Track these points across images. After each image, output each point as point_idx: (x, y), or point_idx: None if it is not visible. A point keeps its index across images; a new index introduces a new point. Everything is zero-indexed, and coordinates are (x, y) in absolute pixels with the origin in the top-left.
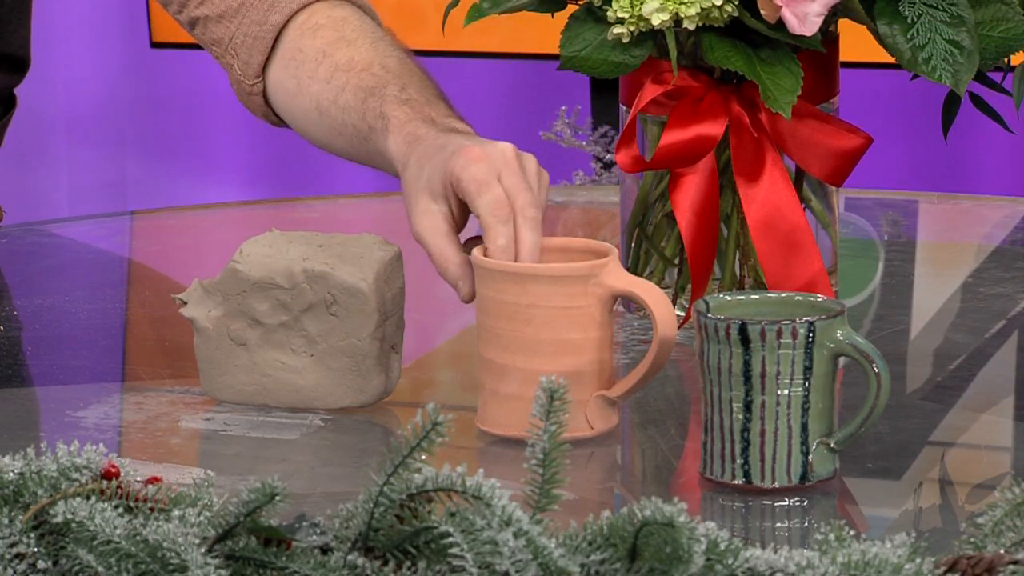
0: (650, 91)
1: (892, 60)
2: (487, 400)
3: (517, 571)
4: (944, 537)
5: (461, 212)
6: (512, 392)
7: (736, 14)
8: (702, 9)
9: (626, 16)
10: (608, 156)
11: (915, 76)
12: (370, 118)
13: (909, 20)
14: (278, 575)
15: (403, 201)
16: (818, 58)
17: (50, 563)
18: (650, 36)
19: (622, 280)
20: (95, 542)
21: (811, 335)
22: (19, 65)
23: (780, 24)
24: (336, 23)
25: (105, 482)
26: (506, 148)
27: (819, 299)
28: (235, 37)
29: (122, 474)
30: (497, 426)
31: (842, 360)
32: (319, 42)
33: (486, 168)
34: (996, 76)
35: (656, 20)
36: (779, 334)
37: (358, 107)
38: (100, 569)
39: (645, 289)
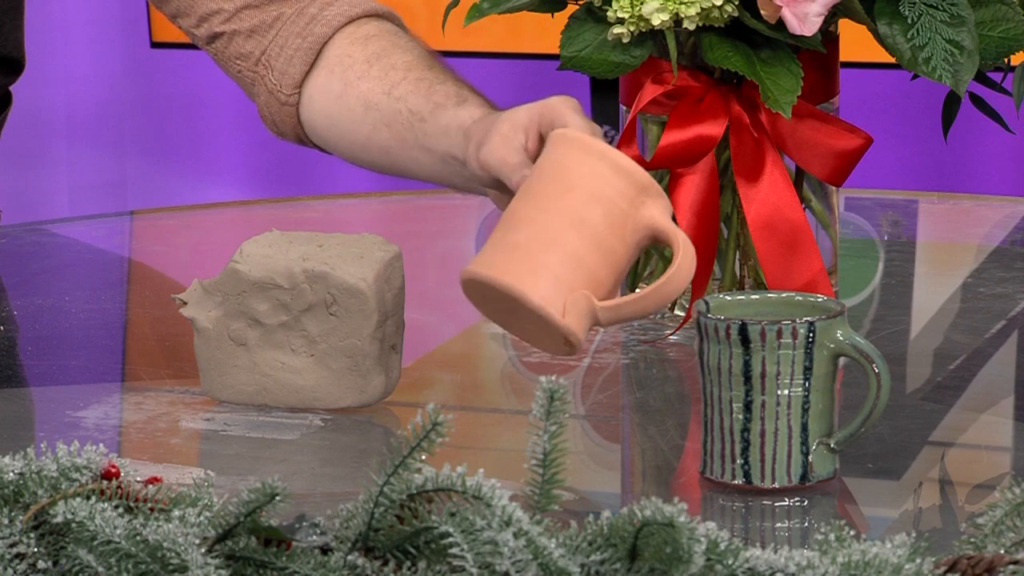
0: (650, 91)
1: (892, 60)
2: (489, 245)
3: (517, 571)
4: (944, 537)
5: (535, 149)
6: (516, 240)
7: (736, 14)
8: (702, 9)
9: (626, 16)
10: None
11: (915, 76)
12: (439, 97)
13: (909, 20)
14: (278, 575)
15: (470, 143)
16: (818, 58)
17: (50, 563)
18: (650, 36)
19: (666, 218)
20: (95, 542)
21: (811, 335)
22: (14, 67)
23: (780, 24)
24: (387, 34)
25: (105, 482)
26: None
27: (819, 299)
28: (269, 50)
29: (122, 474)
30: (483, 266)
31: (842, 360)
32: (372, 47)
33: (581, 107)
34: (996, 76)
35: (656, 20)
36: (779, 334)
37: (423, 90)
38: (100, 569)
39: (682, 238)
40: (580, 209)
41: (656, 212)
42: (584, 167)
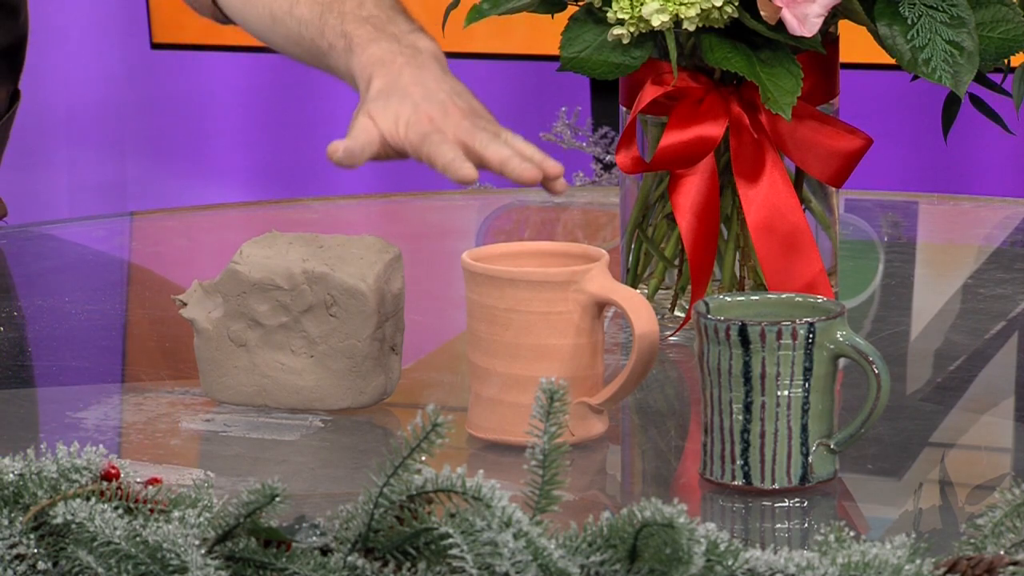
0: (650, 92)
1: (892, 61)
2: (472, 403)
3: (517, 572)
4: (944, 538)
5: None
6: (492, 396)
7: (736, 15)
8: (702, 10)
9: (626, 17)
10: (608, 157)
11: (915, 77)
12: (330, 36)
13: (909, 21)
14: None
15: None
16: (818, 59)
17: (50, 564)
18: (650, 37)
19: (603, 287)
20: (95, 543)
21: (811, 336)
22: (12, 11)
23: (780, 25)
24: None
25: (105, 483)
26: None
27: (819, 300)
28: None
29: (122, 475)
30: (479, 429)
31: (842, 361)
32: None
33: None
34: (996, 77)
35: (656, 21)
36: (779, 335)
37: (315, 22)
38: (100, 570)
39: (624, 295)
40: (526, 341)
41: (592, 287)
42: (504, 300)
